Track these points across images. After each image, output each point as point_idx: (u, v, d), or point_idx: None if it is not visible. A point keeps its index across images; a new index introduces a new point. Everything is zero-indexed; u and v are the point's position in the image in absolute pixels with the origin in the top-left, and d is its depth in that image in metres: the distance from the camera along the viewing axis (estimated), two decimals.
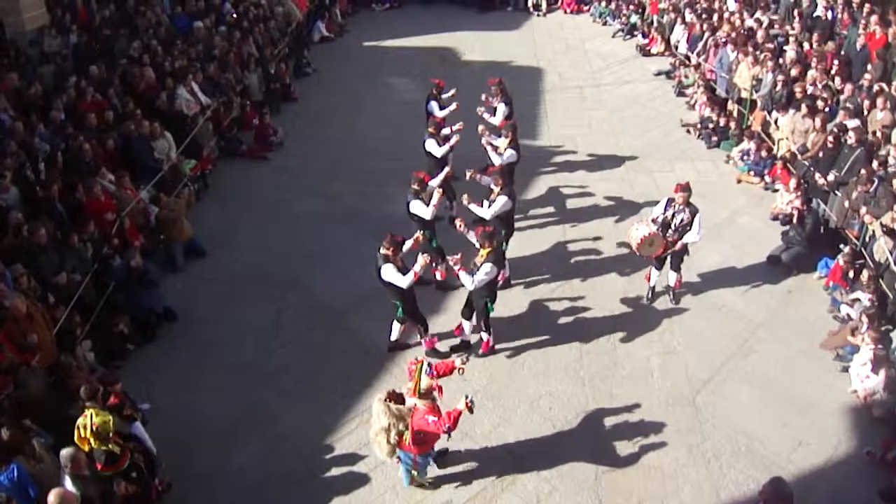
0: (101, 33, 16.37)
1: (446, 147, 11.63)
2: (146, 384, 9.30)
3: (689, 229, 10.03)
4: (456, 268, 8.92)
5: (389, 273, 8.91)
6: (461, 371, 7.57)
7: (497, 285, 9.56)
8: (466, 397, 7.13)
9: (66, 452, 6.70)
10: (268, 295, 10.99)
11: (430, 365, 7.31)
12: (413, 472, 7.85)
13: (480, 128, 11.78)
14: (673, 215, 10.09)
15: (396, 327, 9.72)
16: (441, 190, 10.42)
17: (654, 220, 10.21)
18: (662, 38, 19.78)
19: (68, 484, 6.67)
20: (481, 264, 8.97)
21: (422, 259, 8.84)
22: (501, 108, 12.87)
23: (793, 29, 16.06)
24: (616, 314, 10.50)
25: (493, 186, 10.33)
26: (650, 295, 10.72)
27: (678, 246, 10.17)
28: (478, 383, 9.29)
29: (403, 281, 8.89)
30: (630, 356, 9.77)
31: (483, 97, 13.03)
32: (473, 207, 10.22)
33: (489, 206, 10.20)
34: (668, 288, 10.70)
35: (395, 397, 7.46)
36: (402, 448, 7.46)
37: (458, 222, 9.57)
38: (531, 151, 14.45)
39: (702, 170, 14.15)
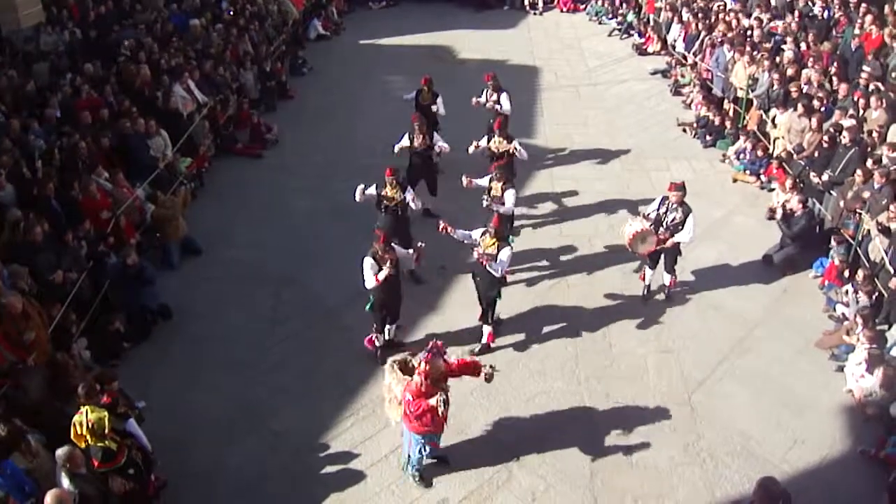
0: (99, 29, 16.33)
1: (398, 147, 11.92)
2: (142, 382, 9.26)
3: (681, 229, 10.05)
4: (483, 260, 9.07)
5: (366, 266, 8.99)
6: (488, 378, 7.60)
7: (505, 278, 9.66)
8: (437, 402, 7.24)
9: (62, 451, 6.70)
10: (264, 292, 10.99)
11: (437, 350, 7.34)
12: (413, 454, 7.92)
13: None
14: (666, 213, 10.12)
15: (391, 327, 9.76)
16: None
17: (646, 217, 10.23)
18: (659, 36, 19.79)
19: (65, 482, 6.66)
20: (498, 251, 9.08)
21: (386, 269, 8.88)
22: (505, 97, 13.02)
23: (789, 27, 16.08)
24: (612, 313, 10.51)
25: (494, 182, 10.43)
26: (645, 294, 10.74)
27: (668, 244, 10.17)
28: (474, 381, 9.25)
29: (368, 281, 8.96)
30: (626, 355, 9.79)
31: (473, 101, 13.10)
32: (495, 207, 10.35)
33: (501, 203, 10.36)
34: (663, 287, 10.71)
35: (404, 366, 7.46)
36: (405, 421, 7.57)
37: (441, 223, 9.56)
38: (527, 150, 14.42)
39: (698, 169, 14.17)
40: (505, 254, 9.11)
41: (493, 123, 12.29)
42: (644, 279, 10.72)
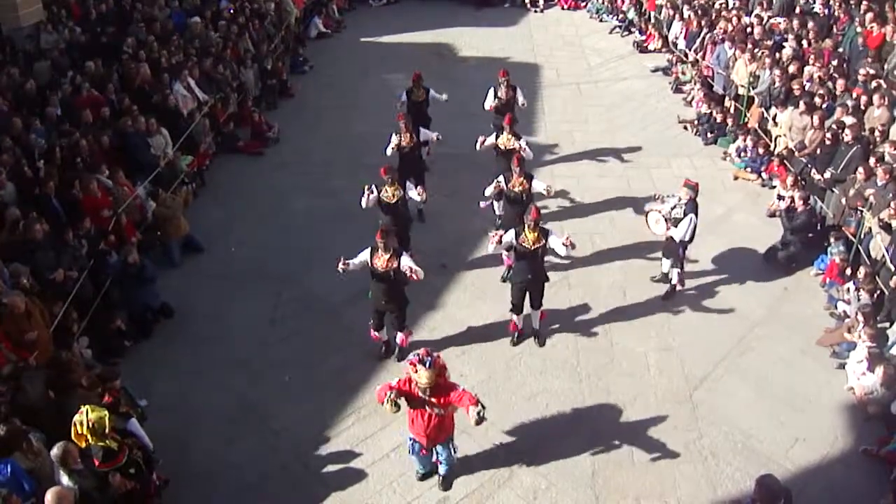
0: (101, 27, 16.32)
1: (389, 148, 11.90)
2: (144, 380, 9.26)
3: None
4: (565, 248, 9.10)
5: (362, 254, 9.09)
6: (477, 421, 7.15)
7: None
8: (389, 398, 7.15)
9: (56, 450, 6.70)
10: (264, 291, 10.99)
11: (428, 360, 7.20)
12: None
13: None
14: (674, 207, 10.19)
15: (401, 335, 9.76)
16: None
17: (663, 201, 10.49)
18: (660, 34, 19.76)
19: (64, 479, 6.65)
20: (547, 241, 9.17)
21: (340, 265, 8.94)
22: (520, 92, 13.13)
23: (788, 24, 16.06)
24: (613, 311, 10.51)
25: (516, 178, 10.44)
26: (659, 277, 10.95)
27: (663, 236, 10.36)
28: (475, 379, 9.29)
29: (359, 256, 9.07)
30: (627, 353, 9.79)
31: (487, 107, 13.07)
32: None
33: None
34: (669, 280, 10.78)
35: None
36: None
37: (493, 237, 9.40)
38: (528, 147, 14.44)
39: (699, 166, 14.14)
40: (556, 240, 9.15)
41: (502, 120, 12.26)
42: (662, 266, 10.90)
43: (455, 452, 7.95)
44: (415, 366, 7.13)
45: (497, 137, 11.81)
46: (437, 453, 7.85)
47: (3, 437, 6.99)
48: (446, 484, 8.07)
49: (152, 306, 10.35)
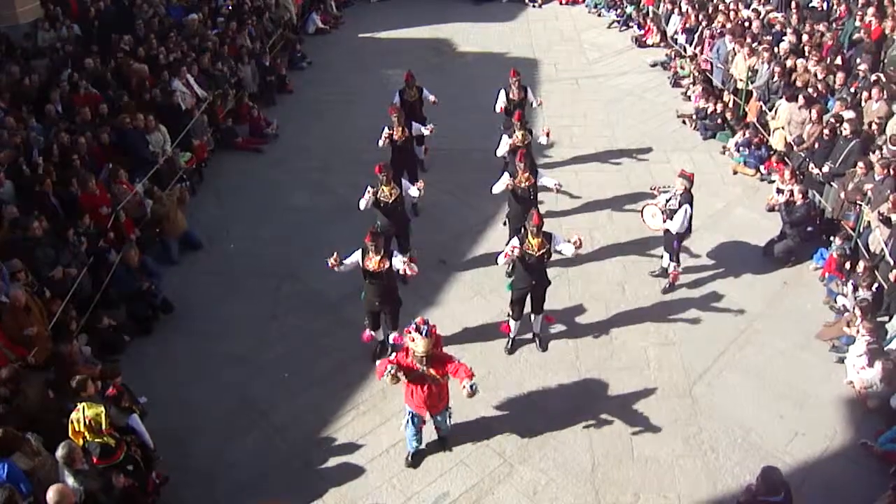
0: (101, 28, 16.28)
1: (381, 140, 11.86)
2: (143, 377, 9.26)
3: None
4: (574, 249, 8.99)
5: (354, 255, 9.03)
6: (469, 394, 7.36)
7: None
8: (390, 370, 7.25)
9: (61, 450, 6.69)
10: (264, 287, 10.99)
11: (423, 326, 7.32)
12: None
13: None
14: (670, 198, 10.19)
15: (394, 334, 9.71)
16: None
17: (660, 191, 10.49)
18: (658, 28, 19.74)
19: (69, 480, 6.64)
20: (551, 245, 9.05)
21: (331, 260, 8.88)
22: (529, 91, 13.04)
23: (788, 18, 16.04)
24: (612, 306, 10.51)
25: (521, 174, 10.43)
26: (657, 272, 10.94)
27: (659, 228, 10.39)
28: (475, 375, 9.26)
29: (350, 258, 9.02)
30: (626, 347, 9.79)
31: (498, 109, 12.95)
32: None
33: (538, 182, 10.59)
34: (668, 276, 10.78)
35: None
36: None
37: (506, 253, 9.18)
38: None
39: (697, 161, 14.12)
40: (561, 242, 9.07)
41: (508, 119, 12.20)
42: (663, 261, 10.88)
43: (451, 420, 8.16)
44: (411, 334, 7.29)
45: (511, 136, 11.63)
46: (437, 421, 8.12)
47: (1, 439, 6.98)
48: (446, 445, 8.37)
49: (153, 302, 10.34)
